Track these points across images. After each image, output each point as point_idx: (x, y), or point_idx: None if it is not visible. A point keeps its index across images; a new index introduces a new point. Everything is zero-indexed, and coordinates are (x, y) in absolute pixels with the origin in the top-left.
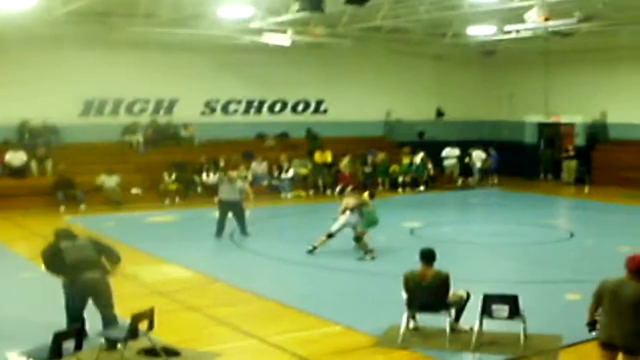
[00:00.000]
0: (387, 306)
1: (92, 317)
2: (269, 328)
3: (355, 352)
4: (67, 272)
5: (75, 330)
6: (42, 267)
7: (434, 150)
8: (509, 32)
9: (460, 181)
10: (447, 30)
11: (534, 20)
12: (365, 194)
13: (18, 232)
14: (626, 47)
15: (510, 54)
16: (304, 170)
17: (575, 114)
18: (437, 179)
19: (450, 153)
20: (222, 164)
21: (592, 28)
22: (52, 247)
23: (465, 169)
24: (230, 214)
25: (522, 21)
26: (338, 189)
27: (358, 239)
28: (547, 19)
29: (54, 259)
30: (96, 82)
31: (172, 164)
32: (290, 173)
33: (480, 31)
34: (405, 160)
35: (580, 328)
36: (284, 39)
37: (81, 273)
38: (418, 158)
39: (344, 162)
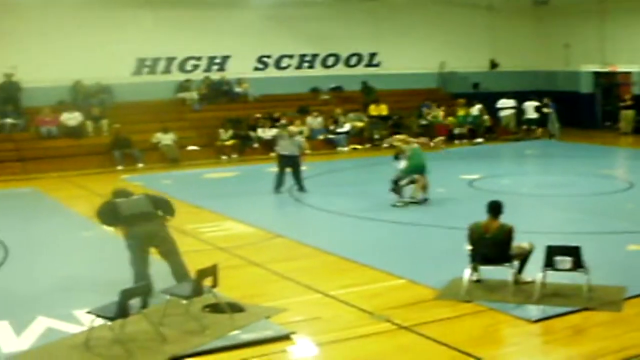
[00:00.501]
0: (449, 259)
1: (158, 276)
2: (332, 282)
3: (418, 305)
4: (125, 223)
5: (142, 287)
6: (99, 222)
7: (489, 101)
8: None
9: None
10: None
11: None
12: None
13: (77, 192)
14: None
15: (564, 3)
16: (359, 124)
17: (632, 63)
18: (494, 130)
19: (506, 104)
20: (281, 120)
21: None
22: (108, 202)
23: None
24: (288, 169)
25: None
26: (436, 140)
27: (394, 182)
28: None
29: (109, 213)
30: (147, 41)
31: (227, 120)
32: (347, 127)
33: None
34: (461, 112)
35: None
36: None
37: (139, 225)
38: (475, 109)
39: (439, 113)
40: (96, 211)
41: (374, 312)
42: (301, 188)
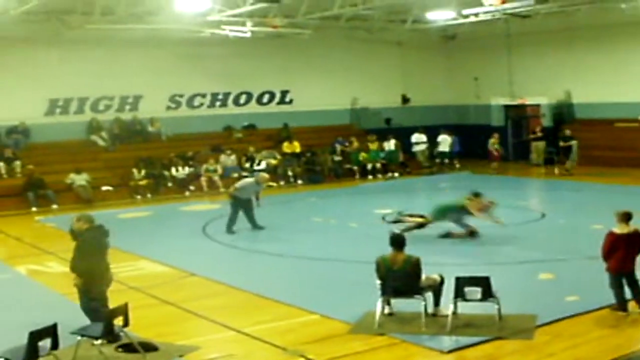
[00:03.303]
0: (362, 293)
1: (69, 315)
2: (246, 319)
3: (332, 339)
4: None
5: (50, 328)
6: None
7: (401, 136)
8: (468, 16)
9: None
10: (407, 16)
11: (491, 3)
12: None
13: None
14: (585, 26)
15: (472, 38)
16: (273, 161)
17: (540, 95)
18: (408, 165)
19: (419, 139)
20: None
21: (550, 9)
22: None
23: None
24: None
25: (481, 4)
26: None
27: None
28: (504, 2)
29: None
30: (60, 81)
31: (140, 159)
32: (263, 165)
33: (440, 16)
34: (373, 147)
35: (554, 307)
36: (244, 31)
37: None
38: (391, 144)
39: (492, 141)
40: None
41: (288, 348)
42: (255, 226)
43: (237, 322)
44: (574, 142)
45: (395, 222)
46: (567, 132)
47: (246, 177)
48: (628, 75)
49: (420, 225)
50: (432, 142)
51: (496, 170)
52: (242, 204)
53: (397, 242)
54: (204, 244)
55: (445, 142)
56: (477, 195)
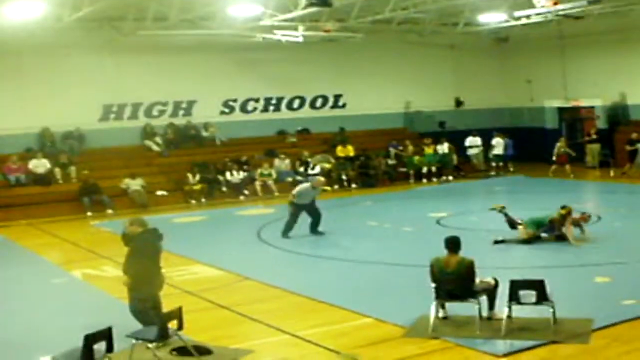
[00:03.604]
0: (416, 296)
1: (124, 319)
2: (300, 323)
3: (386, 343)
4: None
5: (106, 332)
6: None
7: (455, 139)
8: (519, 18)
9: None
10: (458, 19)
11: (542, 4)
12: None
13: (46, 239)
14: (639, 27)
15: (525, 40)
16: (327, 165)
17: (594, 97)
18: (462, 168)
19: (474, 142)
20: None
21: (603, 9)
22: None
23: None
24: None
25: (532, 6)
26: (553, 168)
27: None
28: (556, 3)
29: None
30: (113, 87)
31: (195, 164)
32: (317, 169)
33: (492, 18)
34: (428, 151)
35: (611, 310)
36: (296, 35)
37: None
38: (444, 147)
39: (560, 145)
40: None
41: (342, 351)
42: (316, 231)
43: (291, 325)
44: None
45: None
46: (634, 135)
47: (301, 181)
48: None
49: (527, 241)
50: (486, 146)
51: (572, 174)
52: (304, 209)
53: (452, 244)
54: (258, 248)
55: (499, 145)
56: (565, 207)
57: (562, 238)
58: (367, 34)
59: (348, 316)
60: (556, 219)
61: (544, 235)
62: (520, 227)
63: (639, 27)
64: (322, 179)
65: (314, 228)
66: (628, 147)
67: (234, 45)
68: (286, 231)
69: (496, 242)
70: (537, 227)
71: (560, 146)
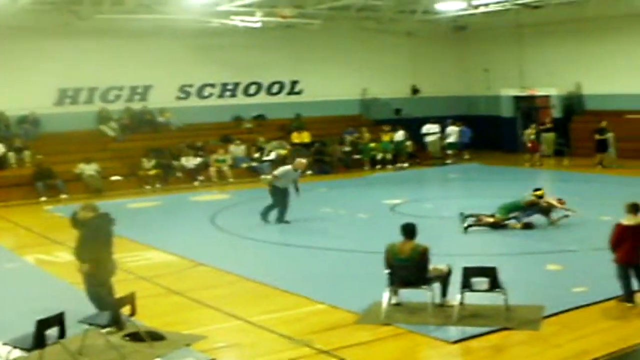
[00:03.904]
0: (370, 283)
1: (76, 304)
2: (253, 309)
3: (338, 329)
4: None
5: (58, 317)
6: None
7: (411, 127)
8: (478, 7)
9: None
10: (416, 6)
11: None
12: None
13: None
14: (596, 17)
15: (483, 29)
16: (283, 152)
17: (550, 87)
18: (418, 156)
19: (431, 129)
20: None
21: (561, 0)
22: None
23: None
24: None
25: None
26: (527, 157)
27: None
28: None
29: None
30: (69, 71)
31: (150, 149)
32: (272, 155)
33: (450, 6)
34: (384, 138)
35: (562, 298)
36: (253, 21)
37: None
38: (400, 135)
39: (529, 132)
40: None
41: (295, 337)
42: (282, 220)
43: (244, 311)
44: (610, 135)
45: (468, 220)
46: (604, 123)
47: (256, 168)
48: (638, 67)
49: (493, 224)
50: (443, 133)
51: (539, 162)
52: (280, 194)
53: (408, 230)
54: (212, 233)
55: (454, 133)
56: (539, 190)
57: (529, 226)
58: (324, 21)
59: (301, 302)
60: (533, 202)
61: (512, 222)
62: (486, 220)
63: (595, 18)
64: (303, 160)
65: (281, 215)
66: (598, 136)
67: (191, 31)
68: (266, 214)
69: (465, 219)
70: (507, 212)
71: (529, 133)
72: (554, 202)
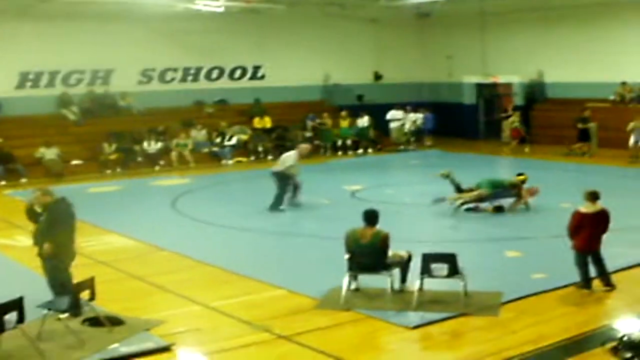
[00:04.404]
0: (329, 268)
1: (36, 289)
2: (212, 294)
3: (298, 314)
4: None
5: (17, 302)
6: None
7: (374, 113)
8: None
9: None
10: None
11: None
12: None
13: None
14: (559, 6)
15: (447, 16)
16: (244, 137)
17: (513, 74)
18: (379, 142)
19: (395, 115)
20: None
21: None
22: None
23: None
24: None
25: None
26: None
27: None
28: None
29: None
30: (31, 54)
31: (111, 134)
32: (234, 140)
33: None
34: (344, 124)
35: (520, 284)
36: (217, 5)
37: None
38: (364, 121)
39: (512, 120)
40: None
41: (254, 323)
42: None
43: (204, 296)
44: (592, 125)
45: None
46: (587, 113)
47: (217, 153)
48: (600, 55)
49: (479, 199)
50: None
51: (527, 149)
52: (286, 180)
53: (370, 216)
54: (173, 218)
55: (416, 119)
56: (522, 174)
57: (501, 209)
58: (288, 6)
59: (261, 287)
60: (516, 184)
61: (485, 205)
62: (471, 191)
63: (558, 7)
64: (307, 145)
65: (278, 202)
66: (581, 125)
67: (153, 14)
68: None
69: (436, 201)
70: (493, 188)
71: (512, 121)
72: (526, 193)
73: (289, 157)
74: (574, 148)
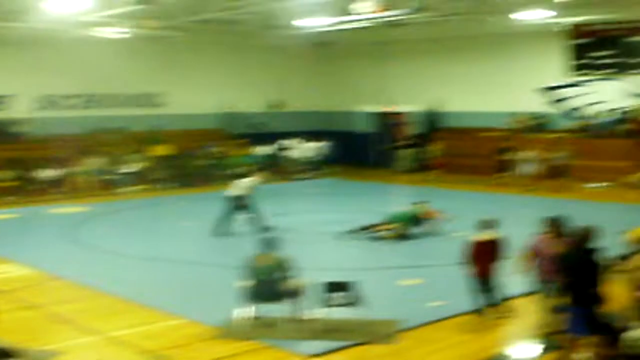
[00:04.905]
0: (228, 297)
1: None
2: (110, 323)
3: (196, 344)
4: None
5: None
6: None
7: (272, 141)
8: (340, 23)
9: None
10: (280, 21)
11: (359, 12)
12: None
13: None
14: (457, 37)
15: (346, 45)
16: (143, 164)
17: (410, 103)
18: (277, 170)
19: (292, 144)
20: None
21: (419, 19)
22: None
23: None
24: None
25: (353, 13)
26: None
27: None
28: (376, 11)
29: None
30: None
31: (8, 160)
32: (132, 167)
33: (312, 22)
34: (242, 152)
35: (419, 312)
36: (117, 32)
37: None
38: (263, 149)
39: (434, 148)
40: None
41: (155, 352)
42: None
43: (102, 326)
44: (512, 154)
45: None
46: (508, 144)
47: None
48: (494, 86)
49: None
50: (302, 148)
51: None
52: (244, 203)
53: (268, 243)
54: (70, 246)
55: (311, 148)
56: (423, 202)
57: (405, 237)
58: (187, 34)
59: (161, 317)
60: (424, 213)
61: (388, 232)
62: (384, 228)
63: (456, 37)
64: (264, 172)
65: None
66: (499, 157)
67: (52, 40)
68: (222, 227)
69: (362, 229)
70: (407, 221)
71: (434, 150)
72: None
73: (250, 182)
74: (494, 177)
